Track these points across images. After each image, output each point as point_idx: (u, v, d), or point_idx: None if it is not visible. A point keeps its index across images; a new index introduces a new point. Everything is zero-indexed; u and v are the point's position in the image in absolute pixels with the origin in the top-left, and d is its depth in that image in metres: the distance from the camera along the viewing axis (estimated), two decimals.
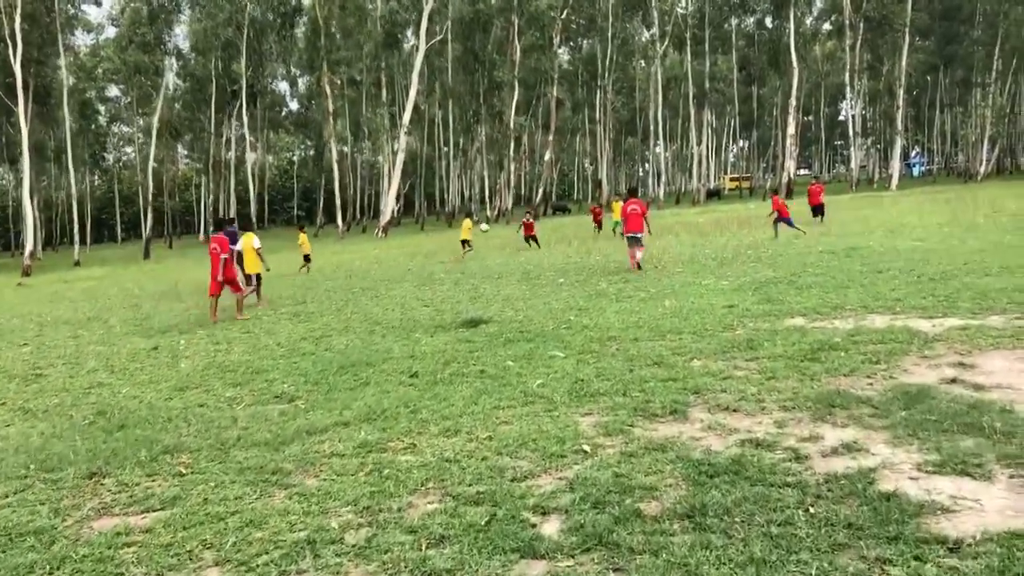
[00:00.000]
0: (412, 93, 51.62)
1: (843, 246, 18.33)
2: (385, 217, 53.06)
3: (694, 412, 5.91)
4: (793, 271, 14.33)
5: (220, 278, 14.21)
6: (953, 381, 6.19)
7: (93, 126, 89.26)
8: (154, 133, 56.49)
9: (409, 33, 59.56)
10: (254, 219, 74.75)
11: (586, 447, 5.24)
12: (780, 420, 5.54)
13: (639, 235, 17.20)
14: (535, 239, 28.25)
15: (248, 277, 16.32)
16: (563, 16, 60.87)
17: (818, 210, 28.64)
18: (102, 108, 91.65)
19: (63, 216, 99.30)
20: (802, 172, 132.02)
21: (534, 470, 4.93)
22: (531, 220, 28.91)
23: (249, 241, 16.33)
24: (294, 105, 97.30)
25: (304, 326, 12.37)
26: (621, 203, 21.10)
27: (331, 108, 56.57)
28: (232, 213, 74.38)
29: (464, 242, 27.19)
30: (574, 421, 5.87)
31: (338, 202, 57.20)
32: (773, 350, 7.74)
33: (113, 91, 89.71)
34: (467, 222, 28.40)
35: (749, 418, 5.67)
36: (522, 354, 8.52)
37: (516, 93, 60.48)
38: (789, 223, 24.82)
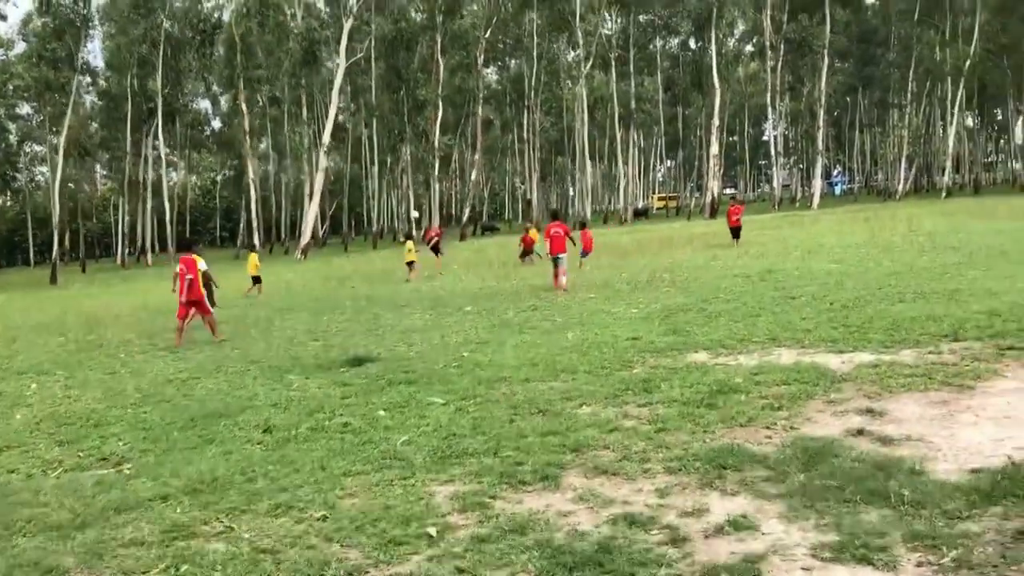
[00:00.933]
0: (332, 112, 50.48)
1: (759, 268, 17.95)
2: (305, 238, 51.66)
3: (568, 477, 5.12)
4: (705, 297, 13.78)
5: (184, 299, 13.76)
6: (860, 433, 5.54)
7: (2, 144, 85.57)
8: (61, 153, 54.09)
9: (331, 51, 58.25)
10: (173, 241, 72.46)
11: (432, 530, 4.40)
12: (663, 487, 4.79)
13: (563, 256, 17.61)
14: (438, 249, 28.53)
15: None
16: (487, 35, 60.35)
17: (736, 232, 28.34)
18: (12, 126, 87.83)
19: None
20: (728, 191, 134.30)
21: (363, 563, 4.08)
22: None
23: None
24: (216, 124, 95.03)
25: (176, 364, 11.29)
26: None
27: (247, 127, 54.96)
28: (150, 235, 72.13)
29: (409, 264, 26.19)
30: (429, 492, 5.03)
31: (255, 223, 55.47)
32: (669, 393, 7.03)
33: (25, 108, 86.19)
34: (409, 243, 27.36)
35: (629, 484, 4.91)
36: (399, 401, 7.67)
37: (440, 112, 59.66)
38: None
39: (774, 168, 71.61)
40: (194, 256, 14.19)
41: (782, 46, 67.50)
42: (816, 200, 64.00)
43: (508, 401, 7.24)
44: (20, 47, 74.69)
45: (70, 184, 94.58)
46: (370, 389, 8.36)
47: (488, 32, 62.07)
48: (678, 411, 6.40)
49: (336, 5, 58.60)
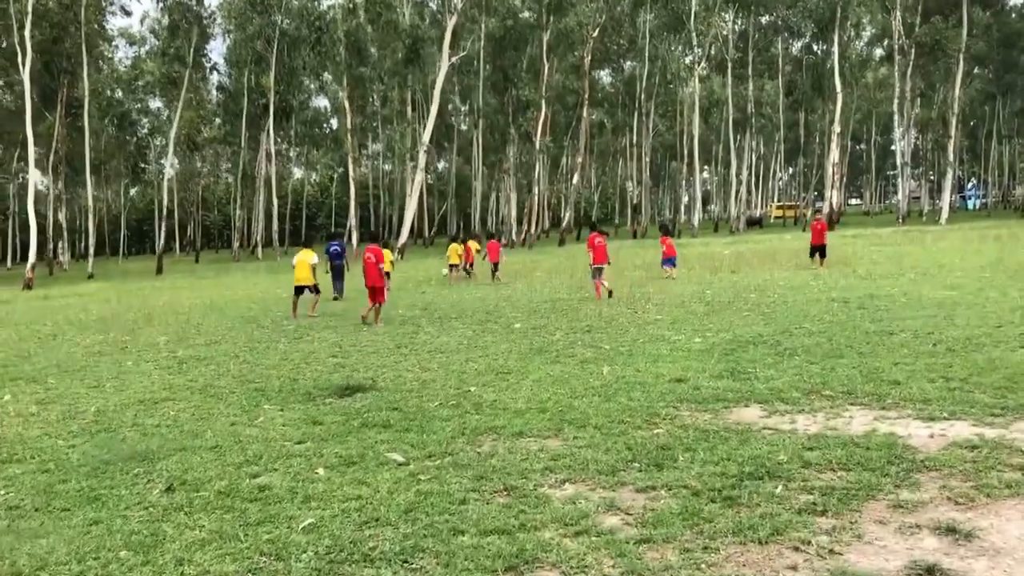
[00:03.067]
0: (433, 111, 49.60)
1: (861, 292, 15.69)
2: (402, 238, 51.02)
3: None
4: (785, 326, 11.80)
5: (368, 285, 15.23)
6: (931, 574, 3.72)
7: (134, 138, 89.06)
8: (171, 146, 55.20)
9: (435, 50, 57.64)
10: (281, 236, 73.58)
11: None
12: None
13: (605, 267, 18.40)
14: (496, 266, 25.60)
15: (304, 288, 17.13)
16: (595, 34, 58.53)
17: (820, 250, 24.02)
18: (145, 120, 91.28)
19: (106, 227, 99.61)
20: (854, 202, 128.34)
21: None
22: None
23: (306, 256, 17.22)
24: (335, 122, 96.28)
25: (169, 379, 10.14)
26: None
27: (349, 125, 54.83)
28: (261, 228, 73.31)
29: (452, 267, 25.89)
30: None
31: (353, 221, 55.31)
32: (686, 471, 5.30)
33: (156, 103, 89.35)
34: (454, 246, 26.55)
35: None
36: (354, 454, 6.18)
37: (543, 113, 58.23)
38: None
39: (900, 179, 66.96)
40: (379, 247, 16.12)
41: (913, 50, 63.21)
42: (944, 214, 59.54)
43: (477, 468, 5.64)
44: (151, 43, 78.04)
45: (197, 177, 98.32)
46: (337, 432, 6.91)
47: (597, 31, 60.28)
48: (683, 506, 4.68)
49: (443, 2, 57.97)
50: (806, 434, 6.09)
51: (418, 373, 9.62)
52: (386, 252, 26.57)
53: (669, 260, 23.85)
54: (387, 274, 26.07)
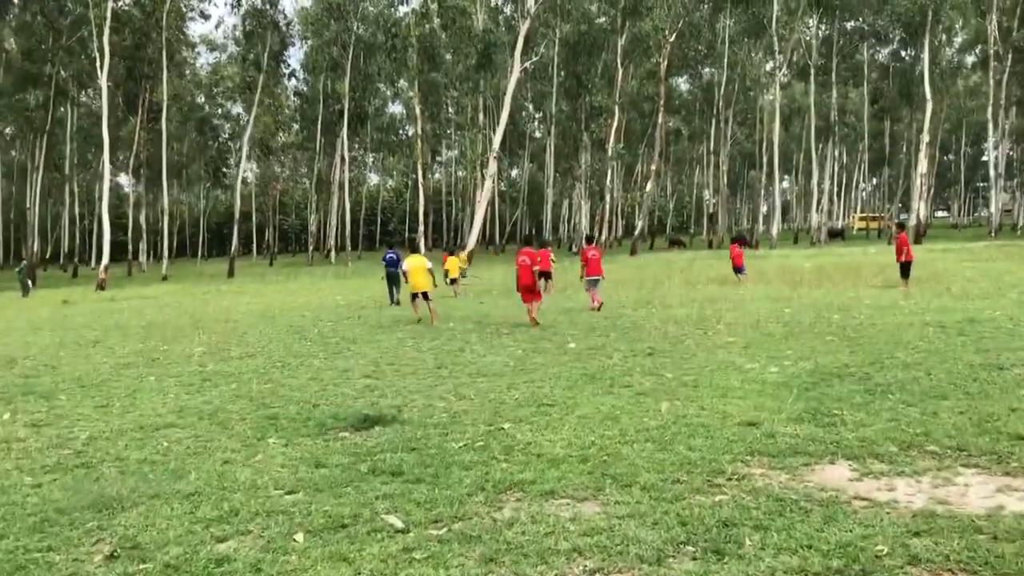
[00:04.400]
0: (504, 116, 48.75)
1: (959, 315, 14.07)
2: (469, 244, 50.24)
3: None
4: (875, 355, 10.37)
5: (522, 284, 15.57)
6: None
7: (215, 143, 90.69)
8: (244, 151, 55.55)
9: (507, 55, 56.79)
10: (354, 240, 73.71)
11: None
12: None
13: (600, 279, 18.47)
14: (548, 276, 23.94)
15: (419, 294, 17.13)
16: (672, 39, 56.90)
17: (905, 268, 21.73)
18: (227, 125, 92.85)
19: (187, 229, 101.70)
20: (940, 214, 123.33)
21: None
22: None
23: (421, 263, 17.24)
24: (410, 129, 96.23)
25: (181, 400, 9.27)
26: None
27: (419, 130, 54.35)
28: (335, 233, 73.43)
29: (452, 281, 25.64)
30: None
31: (421, 227, 54.77)
32: (752, 565, 4.08)
33: (237, 109, 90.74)
34: (453, 259, 26.41)
35: None
36: (350, 513, 5.12)
37: (616, 119, 56.87)
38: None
39: (993, 191, 63.51)
40: (549, 249, 17.03)
41: (1010, 55, 59.95)
42: None
43: (489, 543, 4.50)
44: (232, 49, 79.32)
45: (274, 182, 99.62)
46: (337, 480, 5.86)
47: (674, 36, 58.66)
48: None
49: (517, 7, 57.10)
50: (909, 510, 4.80)
51: (451, 402, 8.53)
52: (452, 259, 26.60)
53: (739, 270, 25.28)
54: (453, 280, 25.74)
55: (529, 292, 15.56)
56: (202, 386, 10.14)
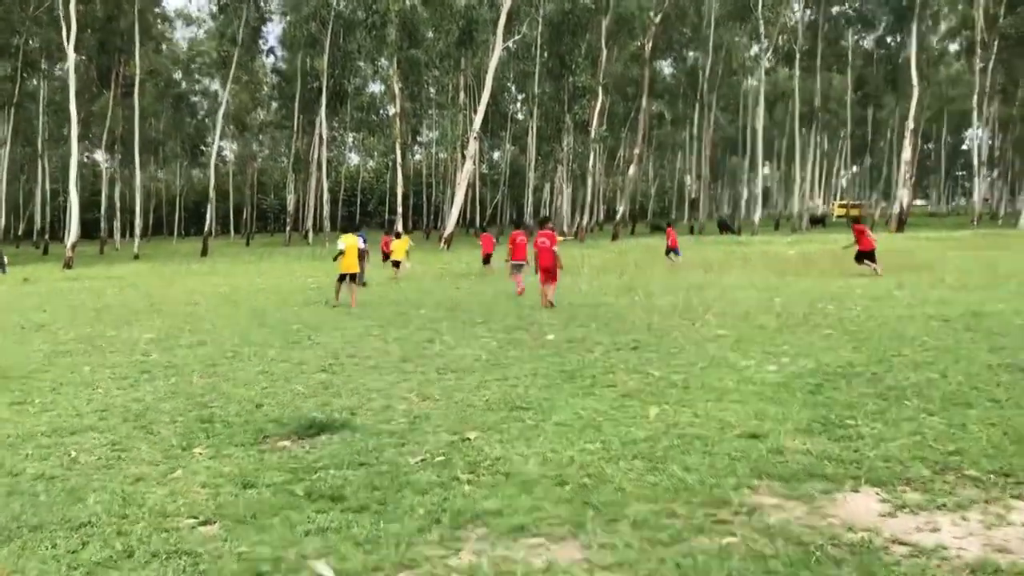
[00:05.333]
0: (485, 96, 47.55)
1: (961, 308, 13.23)
2: (448, 228, 49.14)
3: None
4: (881, 353, 9.49)
5: (540, 266, 15.62)
6: None
7: (193, 119, 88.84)
8: (218, 128, 54.03)
9: (489, 33, 55.41)
10: (333, 221, 72.29)
11: None
12: None
13: (523, 264, 18.75)
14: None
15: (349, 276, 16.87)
16: (657, 20, 55.84)
17: (869, 256, 21.34)
18: (204, 102, 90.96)
19: (163, 207, 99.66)
20: (919, 203, 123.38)
21: None
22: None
23: (353, 241, 17.07)
24: (391, 109, 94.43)
25: (109, 396, 8.23)
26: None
27: (397, 108, 53.04)
28: (313, 213, 71.87)
29: (396, 263, 24.88)
30: None
31: (400, 209, 53.56)
32: None
33: (215, 86, 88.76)
34: (398, 242, 25.77)
35: None
36: (269, 556, 4.15)
37: (599, 100, 55.79)
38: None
39: (976, 179, 63.07)
40: (552, 230, 16.35)
41: (996, 43, 59.32)
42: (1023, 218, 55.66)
43: None
44: (209, 24, 77.40)
45: (252, 160, 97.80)
46: (264, 507, 4.86)
47: (660, 18, 57.60)
48: None
49: None
50: (963, 561, 3.89)
51: (413, 403, 7.55)
52: (397, 242, 26.04)
53: (673, 250, 26.82)
54: (396, 262, 25.02)
55: (548, 273, 15.50)
56: (138, 380, 9.10)
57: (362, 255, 22.40)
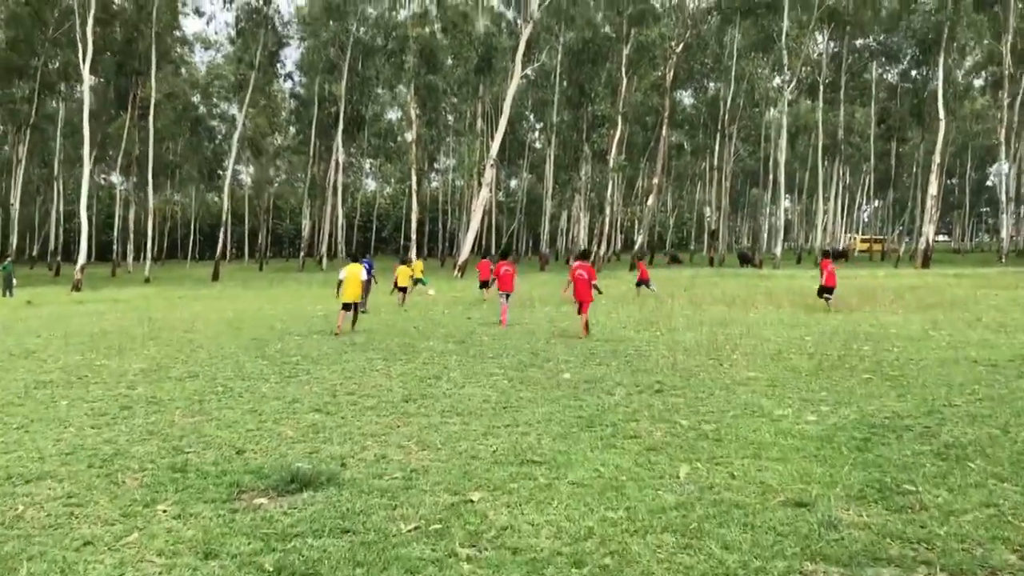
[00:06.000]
0: (503, 123, 47.05)
1: (1007, 351, 12.34)
2: (462, 255, 48.49)
3: None
4: (930, 402, 8.62)
5: (576, 298, 15.93)
6: None
7: (211, 143, 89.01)
8: (234, 151, 53.78)
9: (508, 60, 55.05)
10: (348, 247, 71.92)
11: None
12: None
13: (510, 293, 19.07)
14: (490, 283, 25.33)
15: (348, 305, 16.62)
16: (679, 50, 55.35)
17: (828, 291, 21.24)
18: (222, 127, 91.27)
19: (179, 231, 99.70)
20: (941, 238, 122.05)
21: None
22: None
23: (357, 271, 16.85)
24: (409, 136, 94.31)
25: (80, 436, 7.48)
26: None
27: (414, 135, 52.63)
28: (327, 239, 71.47)
29: (402, 289, 24.81)
30: None
31: (414, 236, 52.98)
32: None
33: (233, 110, 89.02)
34: (403, 268, 25.62)
35: None
36: None
37: (619, 129, 55.21)
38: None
39: (1004, 215, 61.92)
40: (592, 264, 16.98)
41: (1023, 77, 58.53)
42: None
43: None
44: (227, 48, 77.59)
45: (268, 184, 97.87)
46: None
47: (681, 47, 57.07)
48: None
49: (519, 11, 55.52)
50: None
51: (411, 453, 6.75)
52: (406, 268, 25.91)
53: (644, 282, 27.04)
54: (402, 288, 24.78)
55: (585, 305, 15.88)
56: (116, 417, 8.34)
57: (367, 284, 23.07)
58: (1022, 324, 16.77)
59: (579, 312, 16.01)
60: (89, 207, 43.31)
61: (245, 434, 7.49)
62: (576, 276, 15.95)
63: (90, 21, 40.43)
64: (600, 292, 17.78)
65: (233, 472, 6.18)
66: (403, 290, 24.94)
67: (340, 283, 16.70)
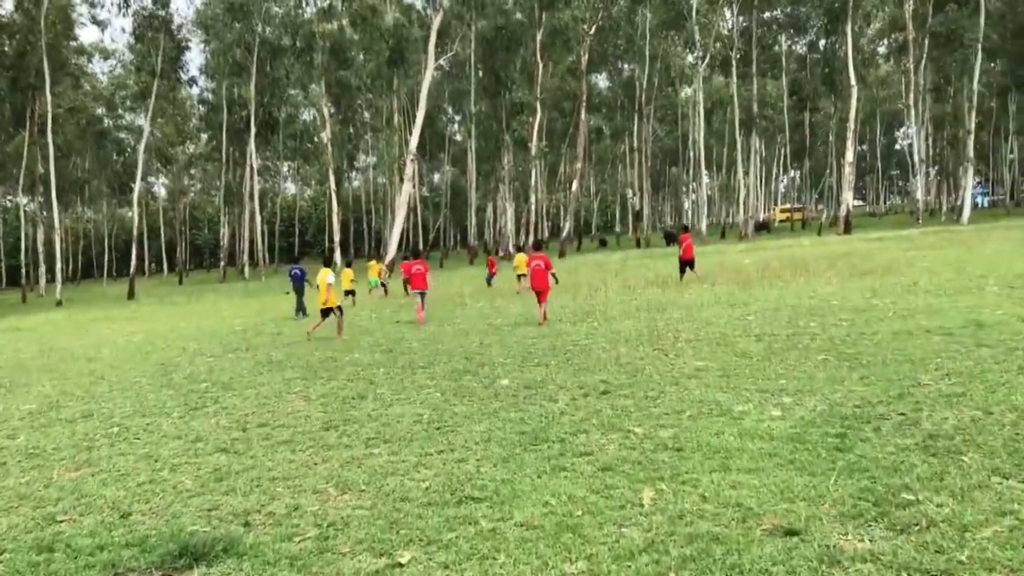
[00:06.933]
0: (420, 116, 45.85)
1: (958, 318, 11.87)
2: (389, 254, 47.22)
3: None
4: (897, 383, 7.97)
5: (534, 287, 16.63)
6: None
7: (121, 156, 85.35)
8: (140, 159, 51.38)
9: (421, 51, 53.73)
10: (271, 253, 69.70)
11: None
12: None
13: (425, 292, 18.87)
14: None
15: (327, 310, 16.68)
16: (592, 32, 54.81)
17: (689, 264, 23.73)
18: (130, 138, 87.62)
19: (93, 249, 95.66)
20: (856, 203, 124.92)
21: None
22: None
23: (324, 276, 16.78)
24: (325, 136, 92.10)
25: None
26: (523, 255, 23.77)
27: (328, 134, 51.05)
28: (247, 247, 69.11)
29: (349, 293, 25.43)
30: None
31: (337, 237, 51.46)
32: None
33: (140, 120, 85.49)
34: (348, 271, 26.32)
35: None
36: None
37: (539, 116, 54.50)
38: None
39: (918, 177, 63.08)
40: (545, 255, 17.26)
41: (926, 41, 59.64)
42: (966, 214, 55.58)
43: None
44: (128, 57, 74.34)
45: (183, 195, 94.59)
46: None
47: (594, 30, 56.58)
48: None
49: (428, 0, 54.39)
50: None
51: (329, 499, 5.75)
52: (347, 272, 26.39)
53: (490, 278, 28.95)
54: (349, 292, 24.93)
55: (542, 294, 16.37)
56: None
57: (300, 288, 23.39)
58: (959, 286, 16.46)
59: (539, 302, 16.37)
60: None
61: (135, 489, 6.39)
62: (533, 267, 16.43)
63: None
64: (557, 281, 17.71)
65: (112, 546, 5.12)
66: (350, 292, 25.67)
67: (316, 287, 17.23)
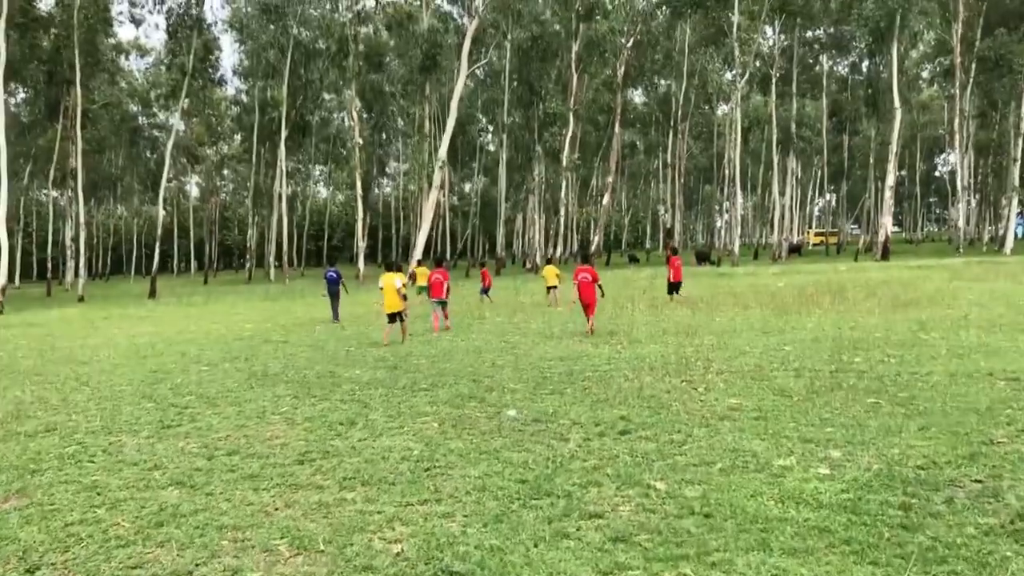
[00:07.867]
0: (450, 123, 45.04)
1: (1020, 358, 10.66)
2: (413, 261, 46.36)
3: None
4: (963, 437, 6.82)
5: (583, 301, 16.38)
6: None
7: (154, 154, 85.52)
8: (167, 158, 51.01)
9: (453, 57, 52.96)
10: (299, 256, 69.18)
11: None
12: None
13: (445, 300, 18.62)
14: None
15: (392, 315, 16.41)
16: (629, 45, 53.78)
17: (676, 287, 24.07)
18: (163, 136, 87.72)
19: (123, 245, 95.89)
20: (893, 230, 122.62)
21: None
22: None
23: (390, 280, 16.45)
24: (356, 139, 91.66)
25: None
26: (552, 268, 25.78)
27: (358, 139, 50.34)
28: (274, 249, 68.56)
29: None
30: None
31: (361, 243, 50.68)
32: None
33: (173, 119, 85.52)
34: (422, 270, 26.89)
35: None
36: None
37: (571, 127, 53.49)
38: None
39: (959, 205, 61.30)
40: (591, 267, 16.79)
41: (973, 66, 57.98)
42: (1009, 244, 53.79)
43: None
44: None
45: (213, 195, 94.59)
46: None
47: (631, 43, 55.55)
48: None
49: (463, 6, 53.62)
50: None
51: (277, 561, 4.73)
52: (421, 270, 27.29)
53: (485, 290, 27.78)
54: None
55: (590, 307, 16.23)
56: None
57: (336, 293, 22.64)
58: (1013, 322, 15.18)
59: (587, 315, 16.32)
60: (18, 222, 40.30)
61: (58, 532, 5.41)
62: (580, 280, 16.21)
63: (2, 25, 37.62)
64: (603, 294, 16.95)
65: None
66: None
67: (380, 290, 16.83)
